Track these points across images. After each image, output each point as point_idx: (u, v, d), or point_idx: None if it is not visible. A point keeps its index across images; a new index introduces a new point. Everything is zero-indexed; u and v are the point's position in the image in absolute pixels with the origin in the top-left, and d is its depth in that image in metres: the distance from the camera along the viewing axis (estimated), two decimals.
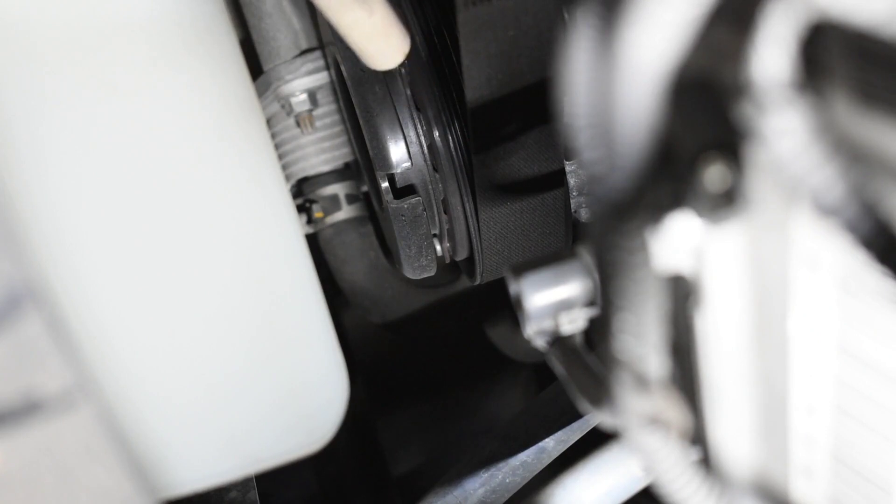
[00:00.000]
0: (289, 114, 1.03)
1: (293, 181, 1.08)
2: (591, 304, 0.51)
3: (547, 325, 0.52)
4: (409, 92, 0.82)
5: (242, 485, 0.91)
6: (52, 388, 0.51)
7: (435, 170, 0.83)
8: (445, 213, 0.84)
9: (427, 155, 0.82)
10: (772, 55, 0.33)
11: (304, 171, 1.07)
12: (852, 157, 0.33)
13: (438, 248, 0.89)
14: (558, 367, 0.53)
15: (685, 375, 0.49)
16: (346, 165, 1.10)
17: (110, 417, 0.55)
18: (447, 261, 0.91)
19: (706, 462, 0.51)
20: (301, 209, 1.11)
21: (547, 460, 0.96)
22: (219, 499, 0.90)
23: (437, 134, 0.80)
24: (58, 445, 0.52)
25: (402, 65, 0.82)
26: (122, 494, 0.56)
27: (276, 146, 1.06)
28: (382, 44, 0.60)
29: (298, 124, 1.03)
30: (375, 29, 0.59)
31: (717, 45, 0.35)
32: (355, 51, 0.61)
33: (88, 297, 0.58)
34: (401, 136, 0.82)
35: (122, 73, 0.59)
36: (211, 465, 0.66)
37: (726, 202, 0.36)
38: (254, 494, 0.91)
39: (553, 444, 0.96)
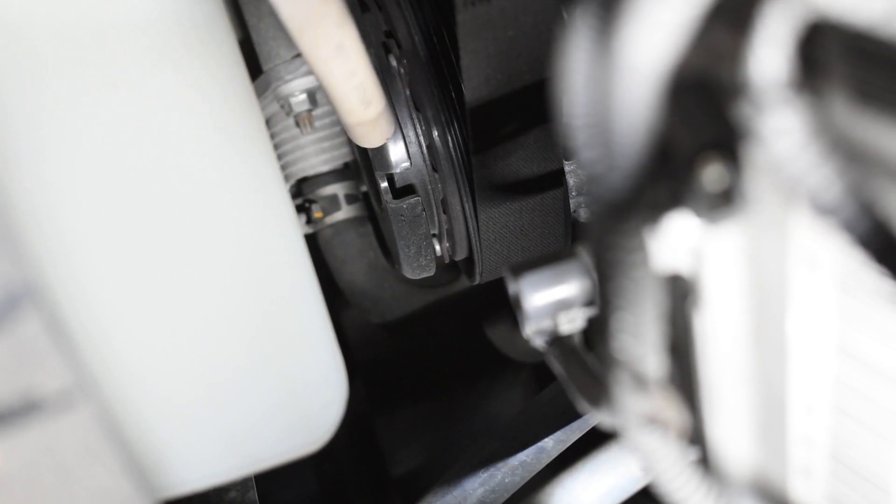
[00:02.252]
0: (288, 114, 1.03)
1: (292, 181, 1.09)
2: (589, 303, 0.52)
3: (546, 324, 0.52)
4: (408, 92, 0.82)
5: (242, 485, 0.91)
6: (52, 388, 0.51)
7: (434, 170, 0.83)
8: (444, 212, 0.84)
9: (426, 155, 0.82)
10: (769, 55, 0.33)
11: (303, 171, 1.08)
12: (850, 156, 0.33)
13: (437, 248, 0.89)
14: (557, 367, 0.53)
15: (684, 375, 0.49)
16: (346, 165, 1.10)
17: (109, 417, 0.55)
18: (446, 261, 0.91)
19: (705, 462, 0.51)
20: (300, 209, 1.11)
21: (546, 460, 0.96)
22: (218, 499, 0.90)
23: (436, 134, 0.80)
24: (57, 445, 0.52)
25: (401, 64, 0.82)
26: (121, 494, 0.56)
27: (276, 146, 1.06)
28: (370, 130, 0.67)
29: (298, 124, 1.03)
30: (369, 119, 0.65)
31: (714, 45, 0.35)
32: (341, 118, 0.67)
33: (88, 297, 0.58)
34: (400, 136, 0.82)
35: (122, 72, 0.59)
36: (210, 465, 0.66)
37: (724, 202, 0.36)
38: (253, 494, 0.91)
39: (552, 444, 0.96)
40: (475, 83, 0.69)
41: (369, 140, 0.69)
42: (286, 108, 1.03)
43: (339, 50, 0.58)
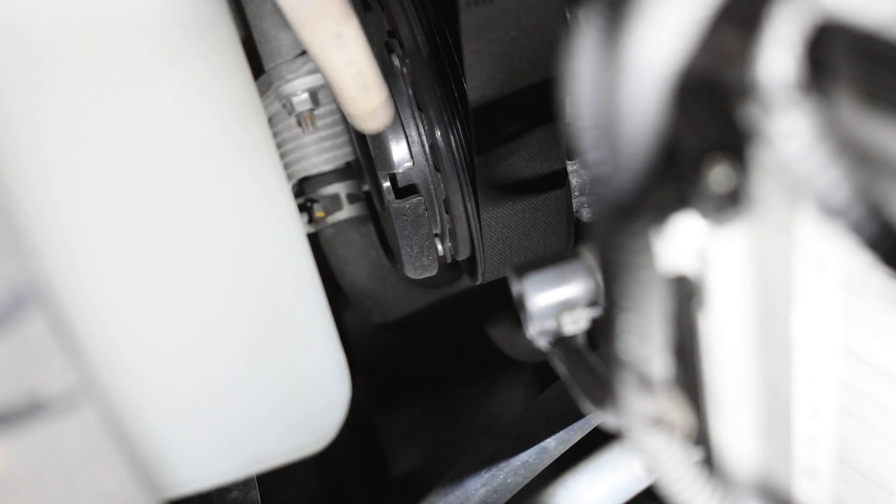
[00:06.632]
0: (290, 113, 1.03)
1: (294, 180, 1.08)
2: (593, 304, 0.51)
3: (549, 325, 0.52)
4: (410, 92, 0.82)
5: (244, 484, 0.91)
6: (56, 389, 0.51)
7: (437, 169, 0.82)
8: (447, 212, 0.84)
9: (429, 154, 0.82)
10: (777, 56, 0.33)
11: (305, 170, 1.07)
12: (858, 158, 0.33)
13: (440, 247, 0.89)
14: (561, 368, 0.53)
15: (689, 376, 0.49)
16: (348, 165, 1.10)
17: (113, 418, 0.55)
18: (448, 260, 0.91)
19: (709, 463, 0.51)
20: (302, 209, 1.11)
21: (548, 460, 0.96)
22: (220, 499, 0.90)
23: (438, 133, 0.80)
24: (61, 446, 0.52)
25: (403, 64, 0.82)
26: (124, 494, 0.56)
27: (278, 145, 1.06)
28: (367, 115, 0.68)
29: (300, 123, 1.03)
30: (369, 105, 0.67)
31: (722, 47, 0.35)
32: (340, 104, 0.69)
33: (91, 298, 0.58)
34: (402, 136, 0.82)
35: (125, 72, 0.59)
36: (213, 465, 0.66)
37: (730, 203, 0.36)
38: (255, 494, 0.91)
39: (555, 444, 0.96)
40: (478, 83, 0.69)
41: (366, 124, 0.70)
42: (288, 107, 1.02)
43: (339, 39, 0.59)
